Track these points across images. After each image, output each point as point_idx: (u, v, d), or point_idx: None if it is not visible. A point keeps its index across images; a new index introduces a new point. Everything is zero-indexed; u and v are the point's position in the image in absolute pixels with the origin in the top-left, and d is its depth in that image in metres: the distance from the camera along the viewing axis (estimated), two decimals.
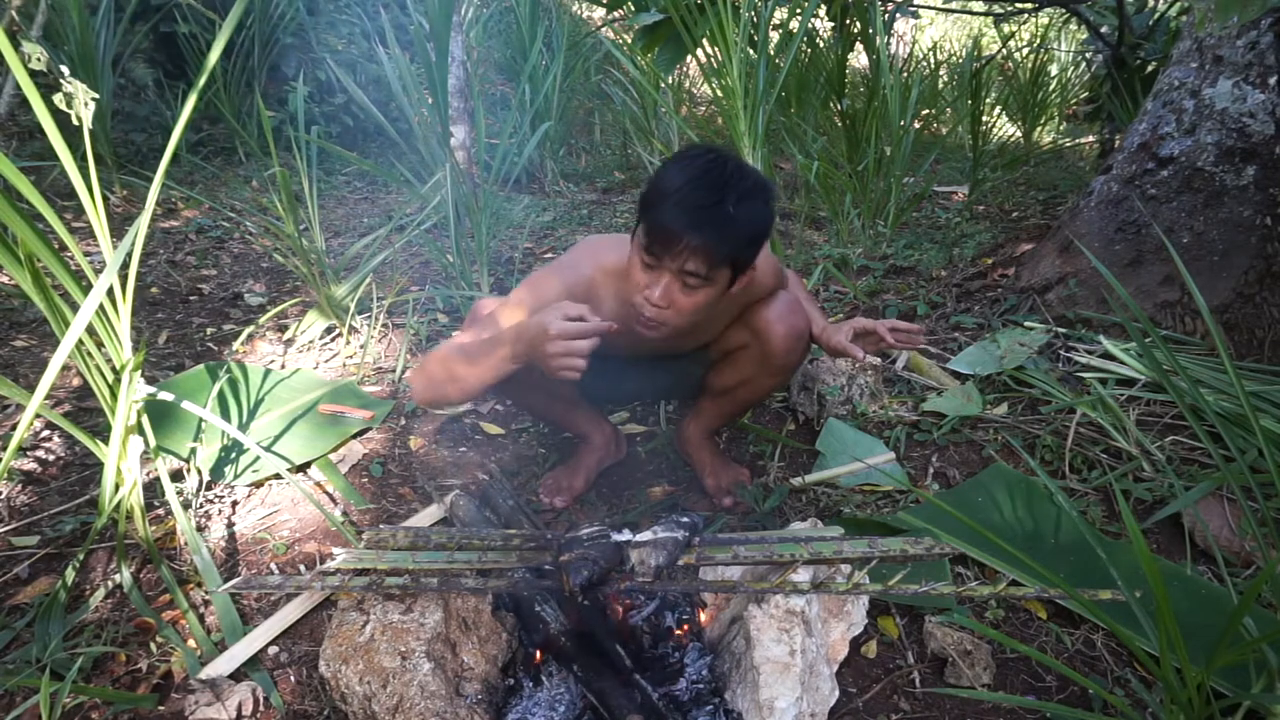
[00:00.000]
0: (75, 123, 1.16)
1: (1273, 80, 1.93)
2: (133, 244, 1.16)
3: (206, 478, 1.55)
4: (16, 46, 1.08)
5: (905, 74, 3.24)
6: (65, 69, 1.18)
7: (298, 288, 2.58)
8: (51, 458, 1.61)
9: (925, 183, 3.49)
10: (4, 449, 1.27)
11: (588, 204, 3.68)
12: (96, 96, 1.18)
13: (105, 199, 3.02)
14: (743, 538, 1.18)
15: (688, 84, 5.18)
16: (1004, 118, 4.84)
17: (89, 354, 1.19)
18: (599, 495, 1.63)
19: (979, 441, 1.69)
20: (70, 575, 1.25)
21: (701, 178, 1.10)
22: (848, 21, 3.21)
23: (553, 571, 1.11)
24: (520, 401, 1.57)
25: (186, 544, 1.36)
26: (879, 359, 1.95)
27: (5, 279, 2.35)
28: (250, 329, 2.22)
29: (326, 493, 1.60)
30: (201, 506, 1.51)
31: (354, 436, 1.77)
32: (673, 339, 1.38)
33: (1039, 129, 4.70)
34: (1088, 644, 1.21)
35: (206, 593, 1.29)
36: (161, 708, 1.11)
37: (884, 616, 1.26)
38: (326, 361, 2.14)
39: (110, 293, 1.18)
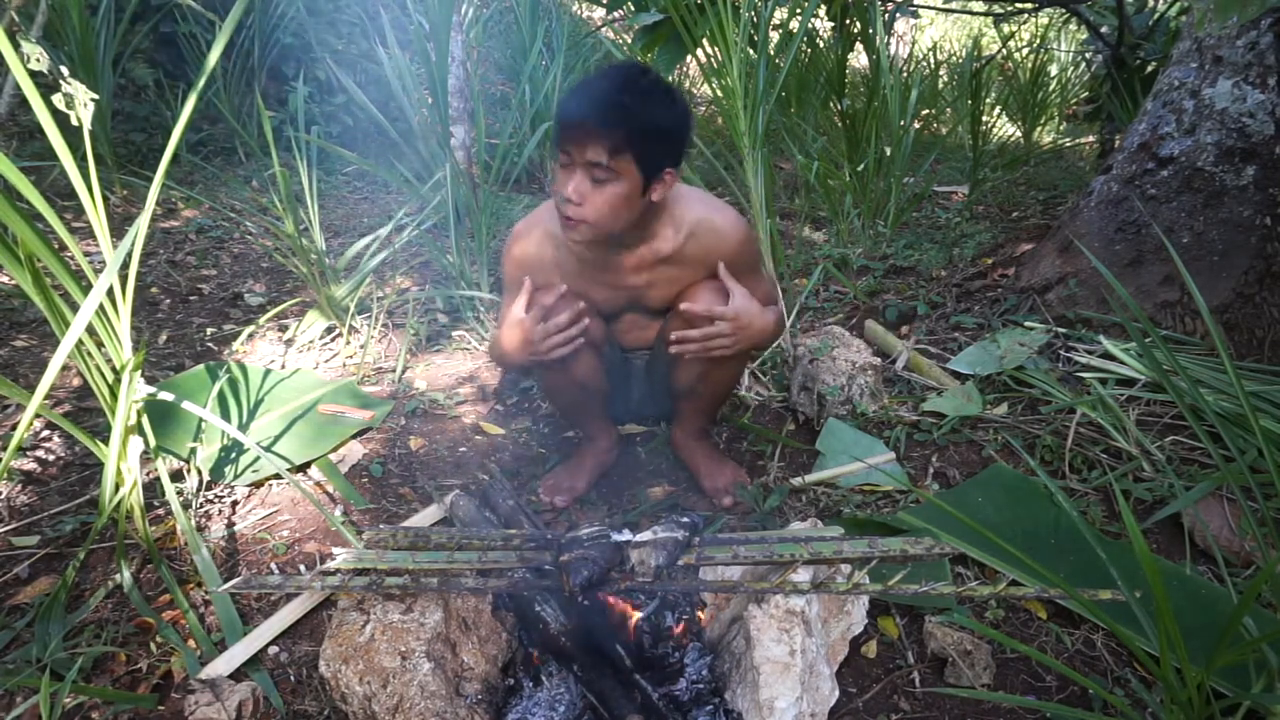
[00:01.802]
0: (75, 123, 1.16)
1: (1273, 80, 1.93)
2: (133, 244, 1.17)
3: (206, 478, 1.55)
4: (16, 46, 1.08)
5: (905, 74, 3.24)
6: (65, 69, 1.18)
7: (298, 288, 2.58)
8: (51, 458, 1.61)
9: (925, 183, 3.49)
10: (4, 449, 1.27)
11: None
12: (96, 97, 1.18)
13: (105, 199, 3.02)
14: (743, 538, 1.18)
15: (688, 84, 5.18)
16: (1004, 118, 4.83)
17: (89, 354, 1.19)
18: (599, 495, 1.63)
19: (979, 441, 1.69)
20: (70, 575, 1.25)
21: (602, 75, 1.20)
22: (848, 21, 3.21)
23: (553, 571, 1.11)
24: (551, 389, 1.57)
25: (186, 544, 1.36)
26: (879, 359, 1.95)
27: (5, 279, 2.35)
28: (250, 329, 2.22)
29: (326, 493, 1.60)
30: (201, 506, 1.51)
31: (354, 436, 1.77)
32: (648, 286, 1.43)
33: (1039, 129, 4.70)
34: (1088, 644, 1.21)
35: (206, 593, 1.29)
36: (161, 708, 1.11)
37: (884, 616, 1.26)
38: (326, 361, 2.14)
39: (110, 293, 1.18)
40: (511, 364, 1.41)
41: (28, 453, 1.61)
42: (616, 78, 1.19)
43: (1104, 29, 3.43)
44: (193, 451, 1.59)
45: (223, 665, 1.15)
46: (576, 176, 1.21)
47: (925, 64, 4.51)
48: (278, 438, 1.70)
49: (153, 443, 1.34)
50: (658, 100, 1.20)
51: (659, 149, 1.22)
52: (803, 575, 1.11)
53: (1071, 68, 4.94)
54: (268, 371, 1.95)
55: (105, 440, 1.23)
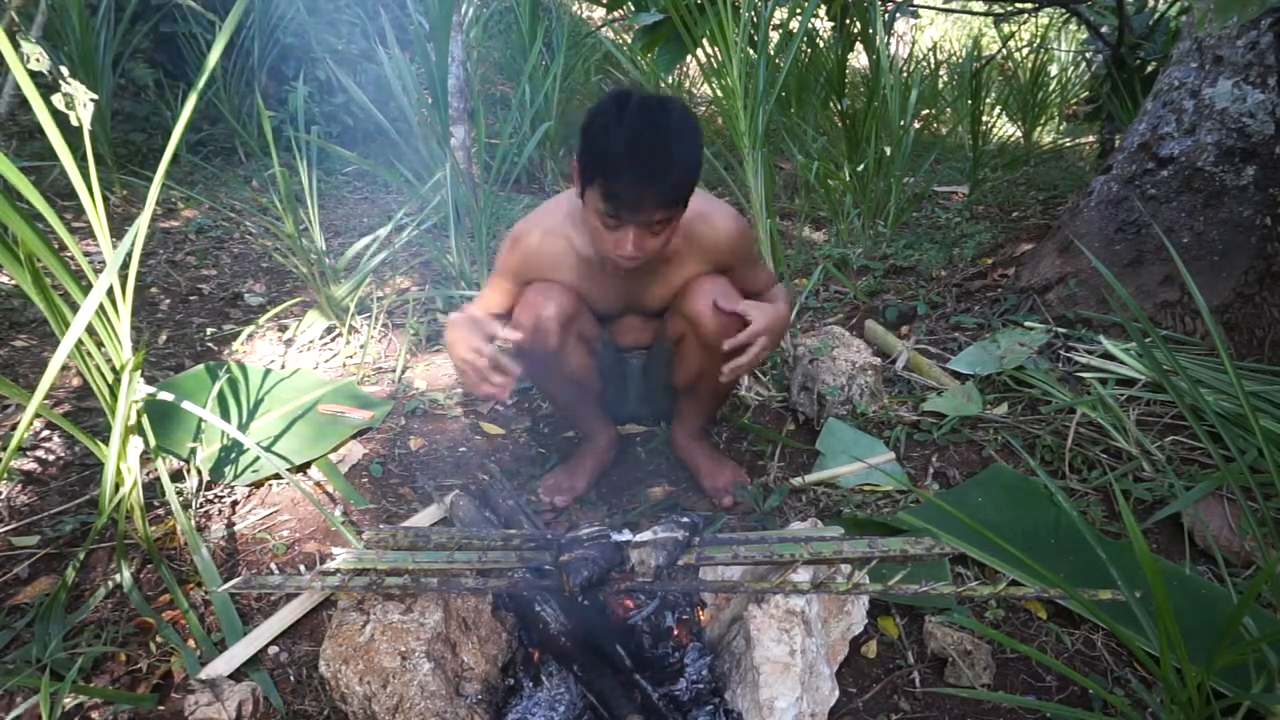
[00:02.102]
0: (75, 123, 1.16)
1: (1273, 80, 1.93)
2: (133, 244, 1.17)
3: (206, 478, 1.55)
4: (16, 46, 1.08)
5: (905, 74, 3.24)
6: (65, 69, 1.18)
7: (298, 288, 2.58)
8: (51, 458, 1.61)
9: (925, 183, 3.49)
10: (4, 449, 1.27)
11: None
12: (96, 97, 1.18)
13: (105, 199, 3.02)
14: (743, 538, 1.18)
15: (688, 84, 5.18)
16: (1004, 118, 4.83)
17: (89, 354, 1.19)
18: (599, 495, 1.63)
19: (979, 441, 1.69)
20: (70, 575, 1.25)
21: (640, 134, 1.14)
22: (848, 21, 3.21)
23: (553, 571, 1.11)
24: (546, 387, 1.57)
25: (186, 544, 1.36)
26: (879, 359, 1.95)
27: (5, 279, 2.35)
28: (250, 329, 2.22)
29: (326, 493, 1.60)
30: (201, 506, 1.51)
31: (354, 436, 1.77)
32: (647, 284, 1.43)
33: (1039, 129, 4.70)
34: (1088, 644, 1.21)
35: (206, 593, 1.29)
36: (161, 708, 1.11)
37: (884, 616, 1.26)
38: (326, 361, 2.14)
39: (110, 293, 1.18)
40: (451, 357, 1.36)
41: (28, 453, 1.61)
42: (656, 134, 1.14)
43: (1104, 29, 3.43)
44: (193, 451, 1.59)
45: (223, 665, 1.15)
46: (634, 234, 1.20)
47: (925, 64, 4.51)
48: (278, 438, 1.70)
49: (153, 443, 1.34)
50: (689, 135, 1.18)
51: (698, 170, 1.23)
52: (803, 575, 1.11)
53: (1071, 68, 4.94)
54: (268, 371, 1.95)
55: (105, 440, 1.23)
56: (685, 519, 1.18)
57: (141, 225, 1.18)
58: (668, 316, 1.47)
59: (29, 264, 1.11)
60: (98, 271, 1.13)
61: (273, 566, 1.38)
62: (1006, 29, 5.14)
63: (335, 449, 1.72)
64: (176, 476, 1.55)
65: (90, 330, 1.16)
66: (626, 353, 1.62)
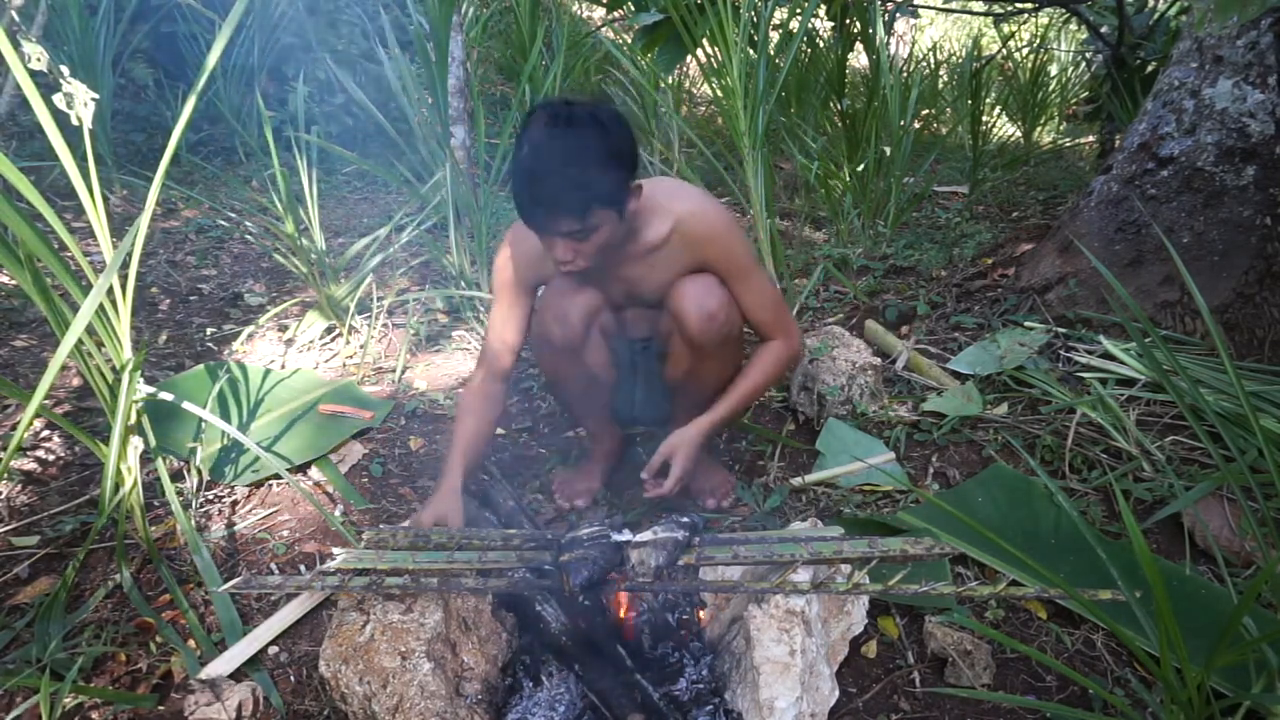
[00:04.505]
0: (75, 123, 1.16)
1: (1273, 80, 1.93)
2: (133, 244, 1.17)
3: (206, 478, 1.56)
4: (17, 46, 1.08)
5: (905, 74, 3.24)
6: (65, 69, 1.18)
7: (298, 288, 2.58)
8: (51, 458, 1.61)
9: (925, 183, 3.49)
10: (4, 449, 1.27)
11: None
12: (96, 97, 1.18)
13: (105, 199, 3.01)
14: (743, 538, 1.18)
15: (688, 84, 5.18)
16: (1004, 118, 4.83)
17: (89, 354, 1.19)
18: (599, 495, 1.63)
19: (979, 441, 1.69)
20: (70, 575, 1.25)
21: (535, 157, 1.16)
22: (848, 21, 3.21)
23: (553, 571, 1.11)
24: (560, 382, 1.54)
25: (186, 544, 1.36)
26: (879, 359, 1.95)
27: (5, 279, 2.35)
28: (250, 329, 2.22)
29: (326, 493, 1.60)
30: (201, 506, 1.51)
31: (354, 436, 1.77)
32: (642, 277, 1.40)
33: (1039, 129, 4.70)
34: (1088, 644, 1.21)
35: (206, 593, 1.29)
36: (161, 708, 1.11)
37: (884, 616, 1.26)
38: (326, 361, 2.14)
39: (110, 293, 1.18)
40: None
41: (28, 453, 1.61)
42: (548, 159, 1.14)
43: (1104, 29, 3.43)
44: (193, 451, 1.59)
45: (223, 665, 1.15)
46: (559, 244, 1.21)
47: (925, 64, 4.50)
48: (278, 438, 1.70)
49: (153, 443, 1.34)
50: (595, 144, 1.16)
51: (618, 179, 1.20)
52: (803, 575, 1.11)
53: (1071, 68, 4.94)
54: (268, 371, 1.95)
55: (105, 440, 1.23)
56: (685, 519, 1.18)
57: (141, 225, 1.18)
58: (661, 313, 1.47)
59: (29, 264, 1.11)
60: (98, 271, 1.13)
61: (273, 566, 1.38)
62: (1006, 29, 5.13)
63: (335, 449, 1.72)
64: (176, 476, 1.55)
65: (90, 330, 1.16)
66: (636, 343, 1.61)
